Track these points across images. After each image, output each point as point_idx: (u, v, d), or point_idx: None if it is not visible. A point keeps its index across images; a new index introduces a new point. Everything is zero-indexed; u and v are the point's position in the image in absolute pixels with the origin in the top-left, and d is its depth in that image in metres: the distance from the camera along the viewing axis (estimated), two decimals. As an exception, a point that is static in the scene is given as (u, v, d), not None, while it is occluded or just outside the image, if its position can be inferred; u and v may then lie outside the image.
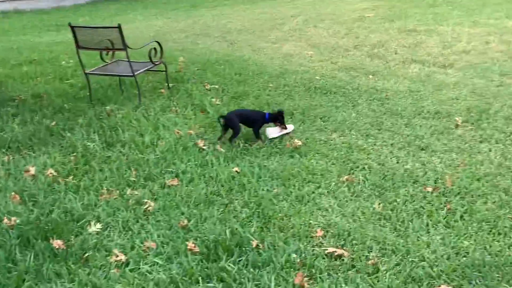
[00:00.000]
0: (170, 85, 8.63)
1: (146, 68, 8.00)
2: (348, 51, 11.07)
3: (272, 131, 6.38)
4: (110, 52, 8.41)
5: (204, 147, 6.11)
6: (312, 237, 4.35)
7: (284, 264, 3.95)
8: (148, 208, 4.84)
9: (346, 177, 5.34)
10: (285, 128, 6.38)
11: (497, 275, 3.82)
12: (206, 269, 3.93)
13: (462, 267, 3.90)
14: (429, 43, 11.37)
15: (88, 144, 6.37)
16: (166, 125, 6.84)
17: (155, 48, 8.12)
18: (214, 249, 4.16)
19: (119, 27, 7.29)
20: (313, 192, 5.09)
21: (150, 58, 7.91)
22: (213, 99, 7.86)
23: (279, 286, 3.73)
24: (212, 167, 5.64)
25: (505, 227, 4.41)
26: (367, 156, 5.86)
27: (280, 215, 4.68)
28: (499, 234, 4.33)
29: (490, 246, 4.15)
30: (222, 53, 11.37)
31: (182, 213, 4.75)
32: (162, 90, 8.48)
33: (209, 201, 4.96)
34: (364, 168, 5.57)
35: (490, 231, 4.38)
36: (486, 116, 6.91)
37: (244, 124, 6.46)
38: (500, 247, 4.14)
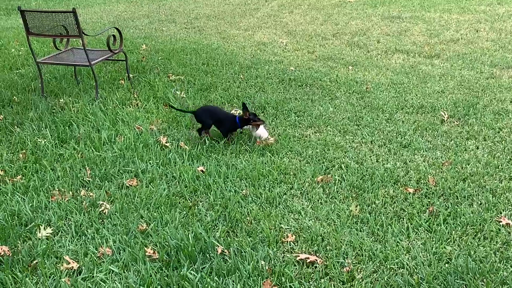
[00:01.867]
0: (131, 75, 8.61)
1: (104, 57, 7.95)
2: (326, 40, 11.13)
3: (262, 132, 6.26)
4: (65, 39, 8.36)
5: (166, 144, 6.11)
6: (282, 242, 4.38)
7: (251, 271, 3.97)
8: (104, 211, 4.83)
9: (321, 177, 5.37)
10: (263, 122, 6.25)
11: (482, 283, 3.88)
12: (166, 278, 3.93)
13: (444, 275, 3.95)
14: (415, 31, 11.49)
15: (39, 140, 6.32)
16: (125, 120, 6.81)
17: (114, 35, 8.09)
18: (175, 255, 4.17)
19: (74, 11, 7.24)
20: (285, 194, 5.12)
21: (108, 46, 7.87)
22: (178, 92, 7.84)
23: (245, 295, 3.76)
24: (175, 166, 5.64)
25: (492, 231, 4.47)
26: (344, 154, 5.90)
27: (248, 218, 4.70)
28: (485, 238, 4.40)
29: (475, 252, 4.21)
30: (189, 41, 11.36)
31: (141, 217, 4.75)
32: (122, 81, 8.46)
33: (171, 203, 4.96)
34: (341, 167, 5.61)
35: (475, 235, 4.44)
36: (474, 111, 7.00)
37: (214, 122, 6.37)
38: (486, 252, 4.20)
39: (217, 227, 4.59)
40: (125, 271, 4.05)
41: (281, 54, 10.15)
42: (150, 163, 5.71)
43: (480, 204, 4.88)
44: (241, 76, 8.70)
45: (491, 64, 9.04)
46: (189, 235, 4.39)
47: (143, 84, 8.32)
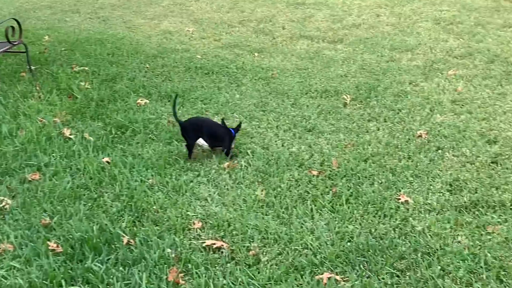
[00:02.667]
0: (33, 67, 8.37)
1: (3, 49, 7.70)
2: (233, 27, 11.14)
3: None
4: (-39, 32, 8.07)
5: (70, 136, 5.99)
6: (189, 229, 4.39)
7: (157, 260, 3.96)
8: (5, 206, 4.70)
9: (227, 163, 5.40)
10: None
11: (382, 259, 4.00)
12: (70, 271, 3.87)
13: (346, 253, 4.06)
14: (318, 17, 11.64)
15: None
16: (27, 113, 6.62)
17: (13, 27, 7.84)
18: (80, 248, 4.11)
19: (-31, 3, 6.98)
20: (192, 181, 5.12)
21: (7, 37, 7.63)
22: (82, 83, 7.69)
23: (151, 284, 3.74)
24: (80, 158, 5.54)
25: (391, 208, 4.62)
26: (250, 140, 5.95)
27: (154, 207, 4.68)
28: (385, 216, 4.53)
29: (375, 229, 4.34)
30: (94, 31, 11.13)
31: (45, 210, 4.64)
32: (23, 74, 8.20)
33: (75, 195, 4.87)
34: (247, 153, 5.65)
35: (376, 213, 4.58)
36: (375, 94, 7.19)
37: (206, 137, 5.70)
38: (385, 229, 4.34)
39: (123, 217, 4.55)
40: (28, 266, 3.95)
41: (188, 42, 10.10)
42: (53, 156, 5.57)
43: (381, 183, 5.03)
44: (147, 66, 8.61)
45: (391, 47, 9.28)
46: (94, 226, 4.33)
47: (45, 76, 8.10)
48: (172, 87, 7.56)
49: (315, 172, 5.21)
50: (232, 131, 5.64)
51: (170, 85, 7.65)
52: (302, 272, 3.88)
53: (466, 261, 3.95)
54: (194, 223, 4.44)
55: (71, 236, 4.24)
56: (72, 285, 3.76)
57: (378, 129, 6.16)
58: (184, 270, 3.91)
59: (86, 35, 10.72)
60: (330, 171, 5.25)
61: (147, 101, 7.03)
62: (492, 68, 8.17)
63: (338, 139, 5.93)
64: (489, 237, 4.23)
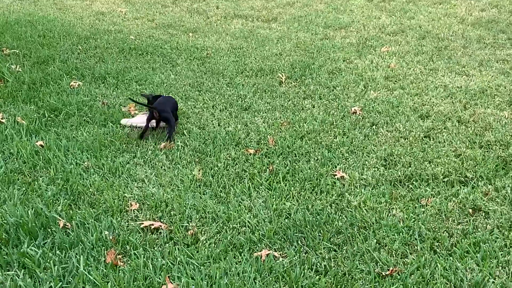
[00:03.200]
0: (-40, 51, 8.15)
1: None
2: (166, 7, 11.07)
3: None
4: None
5: (2, 120, 5.85)
6: (126, 211, 4.36)
7: (95, 242, 3.92)
8: None
9: (163, 144, 5.37)
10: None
11: (319, 234, 4.06)
12: (5, 256, 3.79)
13: (284, 229, 4.10)
14: (253, -4, 11.66)
15: None
16: (-45, 99, 6.45)
17: None
18: (15, 233, 4.03)
19: None
20: (128, 163, 5.08)
21: None
22: (13, 66, 7.50)
23: (89, 267, 3.70)
24: (12, 142, 5.42)
25: (328, 184, 4.69)
26: (186, 120, 5.94)
27: (91, 190, 4.62)
28: (322, 192, 4.60)
29: (312, 206, 4.39)
30: (23, 13, 10.86)
31: (-23, 197, 4.54)
32: (-50, 58, 7.98)
33: (9, 180, 4.76)
34: (183, 133, 5.63)
35: (313, 190, 4.64)
36: (309, 71, 7.26)
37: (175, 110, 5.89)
38: (322, 205, 4.40)
39: (58, 201, 4.47)
40: (-40, 254, 3.88)
41: (121, 23, 9.99)
42: (-16, 141, 5.45)
43: (317, 159, 5.09)
44: (80, 47, 8.47)
45: (325, 25, 9.39)
46: (29, 211, 4.25)
47: (-27, 60, 7.89)
48: (106, 68, 7.46)
49: (251, 151, 5.24)
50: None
51: (104, 67, 7.55)
52: (240, 250, 3.91)
53: (401, 233, 4.05)
54: (131, 205, 4.41)
55: (5, 221, 4.15)
56: (8, 270, 3.70)
57: (314, 107, 6.23)
58: (122, 251, 3.89)
59: (16, 17, 10.44)
60: (267, 149, 5.29)
61: (81, 83, 6.92)
62: (423, 44, 8.37)
63: (274, 117, 5.97)
64: (422, 209, 4.35)
